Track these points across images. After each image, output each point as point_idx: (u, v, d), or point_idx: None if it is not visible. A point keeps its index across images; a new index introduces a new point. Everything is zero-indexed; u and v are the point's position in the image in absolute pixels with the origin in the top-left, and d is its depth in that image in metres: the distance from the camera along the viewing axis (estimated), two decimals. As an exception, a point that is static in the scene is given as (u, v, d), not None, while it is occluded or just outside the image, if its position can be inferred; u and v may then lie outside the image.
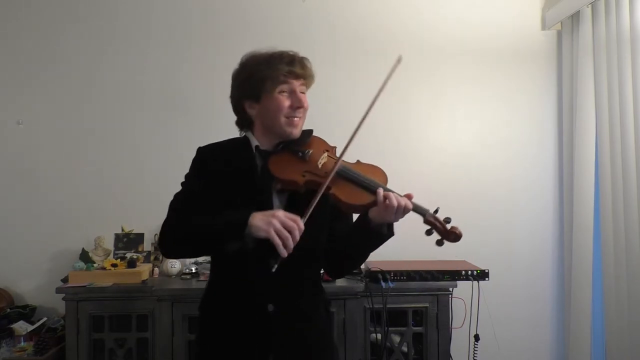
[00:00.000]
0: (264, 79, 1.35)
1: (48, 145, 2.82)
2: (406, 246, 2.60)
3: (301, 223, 1.19)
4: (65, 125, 2.83)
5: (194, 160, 1.46)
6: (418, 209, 1.31)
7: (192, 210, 1.36)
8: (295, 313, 1.39)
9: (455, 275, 2.38)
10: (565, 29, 2.81)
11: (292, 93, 1.37)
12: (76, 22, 2.85)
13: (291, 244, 1.17)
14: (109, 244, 2.68)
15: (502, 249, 2.87)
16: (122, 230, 2.72)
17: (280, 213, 1.20)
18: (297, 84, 1.37)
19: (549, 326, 2.90)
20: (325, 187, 1.26)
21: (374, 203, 1.28)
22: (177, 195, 1.43)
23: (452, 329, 2.44)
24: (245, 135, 1.47)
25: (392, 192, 1.29)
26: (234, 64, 3.06)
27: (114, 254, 2.65)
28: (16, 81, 2.83)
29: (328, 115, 2.48)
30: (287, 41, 3.09)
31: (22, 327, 2.49)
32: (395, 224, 1.34)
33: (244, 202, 1.31)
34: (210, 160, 1.42)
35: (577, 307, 2.64)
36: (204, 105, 2.84)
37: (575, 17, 2.72)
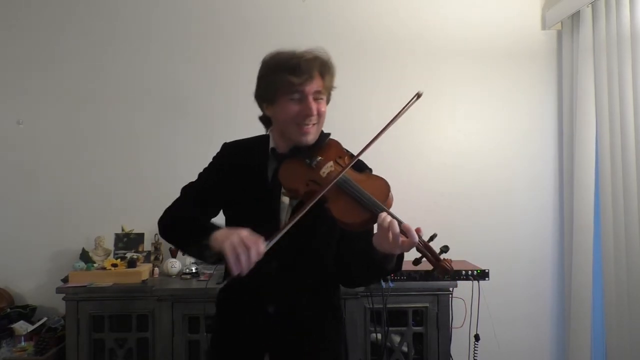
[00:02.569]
0: (273, 86, 1.32)
1: (48, 145, 2.82)
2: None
3: (261, 246, 1.13)
4: (65, 125, 2.83)
5: (216, 155, 1.47)
6: (423, 249, 1.16)
7: (195, 202, 1.40)
8: (296, 316, 1.38)
9: (455, 275, 2.38)
10: (565, 29, 2.81)
11: (303, 100, 1.30)
12: (76, 22, 2.85)
13: (244, 262, 1.11)
14: (109, 244, 2.68)
15: (502, 249, 2.87)
16: (122, 230, 2.72)
17: (244, 232, 1.15)
18: (309, 89, 1.30)
19: (549, 326, 2.90)
20: (319, 197, 1.19)
21: (368, 223, 1.18)
22: (189, 184, 1.47)
23: (452, 329, 2.44)
24: (268, 134, 1.45)
25: (395, 217, 1.15)
26: (234, 64, 3.08)
27: (114, 254, 2.65)
28: (16, 81, 2.83)
29: (327, 115, 2.48)
30: (287, 41, 3.09)
31: (22, 327, 2.50)
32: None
33: (254, 204, 1.33)
34: (230, 158, 1.43)
35: (577, 307, 2.64)
36: (204, 106, 2.85)
37: (575, 17, 2.72)
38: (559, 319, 2.89)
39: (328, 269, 1.40)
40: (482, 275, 2.41)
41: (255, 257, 1.12)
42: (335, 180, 1.21)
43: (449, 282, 2.38)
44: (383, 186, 1.24)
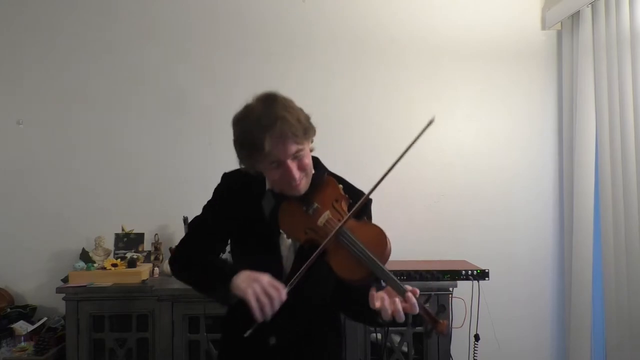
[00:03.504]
0: (245, 159, 1.28)
1: (48, 145, 2.82)
2: (406, 246, 2.61)
3: (283, 293, 1.14)
4: (65, 125, 2.83)
5: (217, 188, 1.44)
6: (422, 312, 1.14)
7: (202, 240, 1.40)
8: (297, 348, 1.38)
9: (455, 275, 2.38)
10: (565, 29, 2.81)
11: (282, 165, 1.23)
12: (76, 22, 2.85)
13: (268, 311, 1.13)
14: (109, 244, 2.68)
15: (502, 249, 2.87)
16: (122, 230, 2.72)
17: (265, 278, 1.16)
18: (285, 156, 1.22)
19: (549, 326, 2.90)
20: (320, 250, 1.19)
21: (364, 280, 1.15)
22: (195, 219, 1.46)
23: (452, 329, 2.44)
24: None
25: (392, 278, 1.13)
26: (233, 64, 3.07)
27: (114, 254, 2.65)
28: (16, 81, 2.83)
29: (327, 115, 2.49)
30: (287, 41, 3.10)
31: (22, 327, 2.50)
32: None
33: (255, 238, 1.34)
34: (229, 189, 1.41)
35: (577, 307, 2.64)
36: (203, 106, 2.85)
37: (575, 17, 2.72)
38: (559, 318, 2.89)
39: (329, 303, 1.41)
40: (482, 275, 2.40)
41: (278, 305, 1.14)
42: (332, 235, 1.19)
43: (449, 282, 2.38)
44: (380, 238, 1.19)
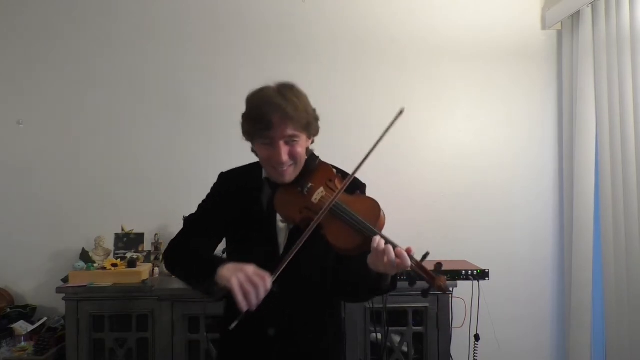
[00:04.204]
0: (245, 130, 1.33)
1: (48, 145, 2.82)
2: (406, 246, 2.61)
3: (269, 282, 1.15)
4: (65, 125, 2.83)
5: (214, 186, 1.48)
6: (414, 271, 1.17)
7: (197, 233, 1.43)
8: (296, 338, 1.39)
9: (455, 275, 2.38)
10: (566, 29, 2.81)
11: (273, 145, 1.28)
12: (76, 22, 2.85)
13: (253, 300, 1.13)
14: (109, 244, 2.68)
15: (502, 249, 2.87)
16: (122, 230, 2.72)
17: (250, 268, 1.17)
18: (278, 136, 1.26)
19: (549, 326, 2.90)
20: (314, 225, 1.21)
21: (362, 247, 1.18)
22: (190, 216, 1.48)
23: (452, 329, 2.44)
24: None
25: (388, 240, 1.17)
26: (233, 64, 3.08)
27: (114, 254, 2.65)
28: (16, 81, 2.83)
29: (327, 115, 2.48)
30: (287, 41, 3.10)
31: (22, 327, 2.50)
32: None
33: (253, 231, 1.36)
34: (226, 186, 1.45)
35: (577, 307, 2.64)
36: (203, 105, 2.85)
37: (575, 17, 2.72)
38: (559, 318, 2.89)
39: (326, 290, 1.41)
40: (482, 275, 2.40)
41: (263, 293, 1.14)
42: (327, 208, 1.22)
43: (449, 282, 2.38)
44: (374, 208, 1.24)
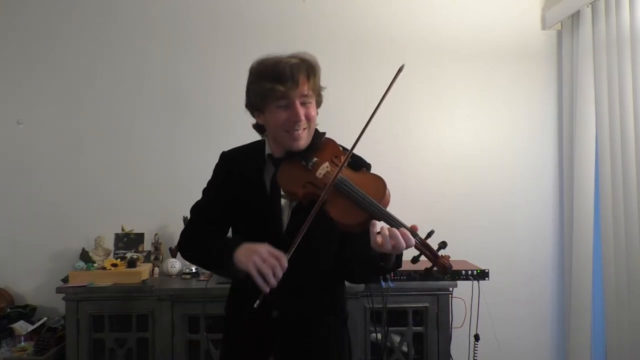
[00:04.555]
0: (260, 94, 1.31)
1: (48, 145, 2.82)
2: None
3: (284, 260, 1.16)
4: (65, 125, 2.83)
5: (216, 167, 1.48)
6: (421, 247, 1.16)
7: (207, 221, 1.43)
8: (299, 320, 1.39)
9: (455, 275, 2.38)
10: (565, 29, 2.81)
11: (290, 106, 1.28)
12: (76, 22, 2.85)
13: (272, 280, 1.15)
14: (109, 243, 2.68)
15: (502, 249, 2.87)
16: (122, 230, 2.72)
17: (264, 249, 1.18)
18: (296, 95, 1.28)
19: (549, 326, 2.90)
20: (320, 203, 1.19)
21: (366, 224, 1.17)
22: (197, 203, 1.49)
23: (452, 329, 2.43)
24: (263, 140, 1.45)
25: (392, 217, 1.16)
26: (233, 64, 3.08)
27: (114, 254, 2.65)
28: (16, 81, 2.83)
29: (326, 115, 2.48)
30: (287, 41, 3.09)
31: (22, 327, 2.50)
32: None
33: (256, 209, 1.36)
34: (228, 166, 1.45)
35: (577, 307, 2.64)
36: (203, 105, 2.85)
37: (575, 17, 2.72)
38: (559, 318, 2.89)
39: (330, 269, 1.41)
40: (482, 275, 2.41)
41: (280, 273, 1.16)
42: (332, 182, 1.20)
43: (449, 282, 2.38)
44: (379, 184, 1.22)
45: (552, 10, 2.86)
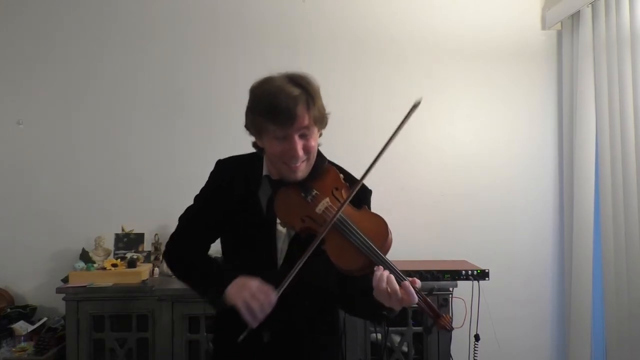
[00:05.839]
0: (255, 124, 1.23)
1: (48, 145, 2.82)
2: (406, 246, 2.61)
3: (273, 297, 1.13)
4: (65, 125, 2.83)
5: (211, 175, 1.41)
6: (423, 305, 1.12)
7: (194, 233, 1.39)
8: (291, 344, 1.34)
9: (455, 275, 2.38)
10: (565, 29, 2.81)
11: (288, 139, 1.19)
12: (76, 22, 2.85)
13: (259, 316, 1.13)
14: (109, 244, 2.68)
15: (502, 249, 2.87)
16: (122, 230, 2.72)
17: (254, 285, 1.15)
18: (293, 130, 1.18)
19: (549, 326, 2.90)
20: (318, 241, 1.14)
21: (364, 270, 1.12)
22: (187, 210, 1.43)
23: (452, 329, 2.43)
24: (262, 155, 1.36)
25: (392, 266, 1.11)
26: (233, 64, 3.07)
27: (114, 254, 2.65)
28: (16, 81, 2.83)
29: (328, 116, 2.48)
30: (287, 41, 3.09)
31: (22, 327, 2.50)
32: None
33: (250, 230, 1.30)
34: (223, 176, 1.37)
35: (577, 307, 2.64)
36: (203, 106, 2.85)
37: (575, 17, 2.72)
38: (559, 318, 2.89)
39: (325, 297, 1.37)
40: (482, 275, 2.40)
41: (268, 309, 1.14)
42: (331, 222, 1.15)
43: (449, 282, 2.38)
44: (381, 227, 1.16)
45: (552, 10, 2.86)
